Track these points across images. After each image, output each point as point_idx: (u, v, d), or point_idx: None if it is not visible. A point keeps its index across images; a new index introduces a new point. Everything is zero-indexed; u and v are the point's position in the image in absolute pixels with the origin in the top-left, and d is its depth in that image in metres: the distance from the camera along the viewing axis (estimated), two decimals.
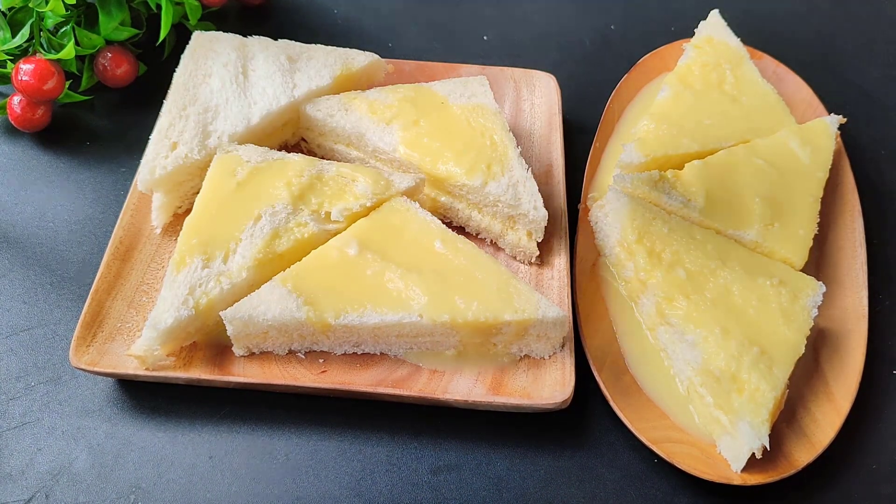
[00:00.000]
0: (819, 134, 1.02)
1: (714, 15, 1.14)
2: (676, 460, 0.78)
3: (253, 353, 0.84)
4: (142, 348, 0.79)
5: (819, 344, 0.89)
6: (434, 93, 1.00)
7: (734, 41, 1.11)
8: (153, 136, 0.92)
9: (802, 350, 0.82)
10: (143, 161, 0.91)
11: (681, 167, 0.97)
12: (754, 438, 0.76)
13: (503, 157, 0.93)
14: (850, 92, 1.21)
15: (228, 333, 0.81)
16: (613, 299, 0.92)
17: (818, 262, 0.96)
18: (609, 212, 0.94)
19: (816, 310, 0.85)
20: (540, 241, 0.92)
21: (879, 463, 0.84)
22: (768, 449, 0.77)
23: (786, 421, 0.82)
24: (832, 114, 1.06)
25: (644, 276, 0.87)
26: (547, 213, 0.90)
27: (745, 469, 0.78)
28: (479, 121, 0.97)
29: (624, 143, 1.02)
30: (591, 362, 0.85)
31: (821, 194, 0.96)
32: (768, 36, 1.25)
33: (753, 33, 1.20)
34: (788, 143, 0.99)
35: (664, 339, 0.87)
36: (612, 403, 0.82)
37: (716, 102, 1.03)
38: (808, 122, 1.04)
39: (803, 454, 0.80)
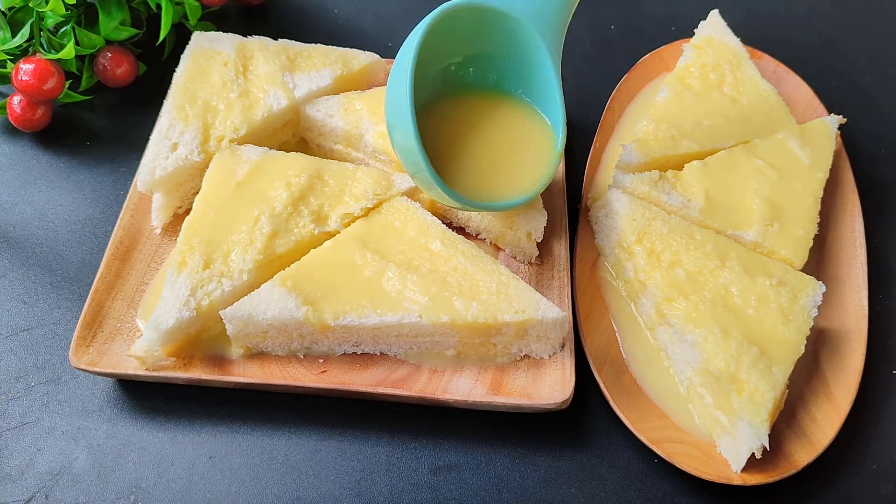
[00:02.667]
0: (819, 134, 1.02)
1: (714, 15, 1.14)
2: (676, 460, 0.78)
3: (252, 354, 0.84)
4: (142, 349, 0.79)
5: (819, 344, 0.89)
6: None
7: (734, 41, 1.11)
8: (153, 137, 0.92)
9: (802, 350, 0.82)
10: (143, 162, 0.91)
11: (680, 168, 0.97)
12: (754, 438, 0.76)
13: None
14: (850, 92, 1.21)
15: (228, 333, 0.81)
16: (613, 299, 0.92)
17: (818, 262, 0.96)
18: (609, 212, 0.94)
19: (816, 310, 0.85)
20: (539, 241, 0.92)
21: (879, 463, 0.84)
22: (768, 449, 0.77)
23: (786, 421, 0.82)
24: (832, 114, 1.06)
25: (644, 277, 0.87)
26: (547, 214, 0.89)
27: (745, 469, 0.78)
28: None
29: (624, 143, 1.02)
30: (591, 362, 0.85)
31: (821, 194, 0.96)
32: (768, 36, 1.25)
33: (753, 33, 1.20)
34: (788, 144, 0.99)
35: (664, 339, 0.87)
36: (612, 403, 0.82)
37: (715, 103, 1.03)
38: (808, 122, 1.04)
39: (803, 454, 0.80)
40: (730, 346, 0.80)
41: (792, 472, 0.79)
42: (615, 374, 0.85)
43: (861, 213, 1.00)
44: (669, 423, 0.82)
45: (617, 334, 0.89)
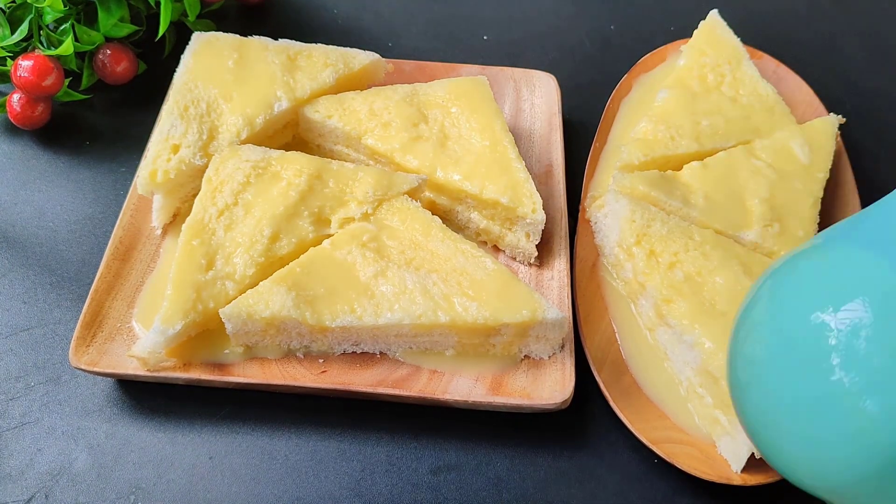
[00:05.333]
0: (819, 134, 1.02)
1: (713, 14, 1.14)
2: (676, 460, 0.78)
3: (252, 355, 0.84)
4: (146, 350, 0.79)
5: None
6: (433, 94, 0.99)
7: (734, 41, 1.10)
8: (154, 138, 0.92)
9: None
10: (144, 164, 0.90)
11: (679, 168, 0.97)
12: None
13: (502, 159, 0.93)
14: (850, 92, 1.21)
15: (227, 331, 0.81)
16: (613, 299, 0.92)
17: None
18: (608, 213, 0.94)
19: None
20: (538, 242, 0.92)
21: None
22: None
23: None
24: (832, 113, 1.06)
25: (643, 279, 0.87)
26: (545, 216, 0.89)
27: (744, 469, 0.78)
28: (478, 122, 0.96)
29: (623, 144, 1.01)
30: (590, 362, 0.85)
31: (821, 195, 0.96)
32: (768, 36, 1.25)
33: (753, 33, 1.20)
34: (788, 144, 0.99)
35: (663, 340, 0.87)
36: (612, 404, 0.82)
37: (715, 103, 1.03)
38: (808, 121, 1.04)
39: None
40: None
41: None
42: (615, 375, 0.85)
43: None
44: (669, 423, 0.82)
45: (617, 334, 0.89)
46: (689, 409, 0.84)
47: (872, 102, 1.20)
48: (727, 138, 1.00)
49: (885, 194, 1.07)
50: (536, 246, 0.92)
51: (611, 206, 0.93)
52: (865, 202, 1.02)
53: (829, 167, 0.99)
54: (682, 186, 0.94)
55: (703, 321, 0.82)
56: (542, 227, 0.90)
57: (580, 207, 0.99)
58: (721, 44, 1.10)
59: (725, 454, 0.80)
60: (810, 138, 1.00)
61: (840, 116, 1.04)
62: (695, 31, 1.13)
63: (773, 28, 1.29)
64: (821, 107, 1.10)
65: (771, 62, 1.15)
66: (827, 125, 1.03)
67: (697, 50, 1.09)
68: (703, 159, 0.97)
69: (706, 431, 0.82)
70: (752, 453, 0.77)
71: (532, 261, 0.93)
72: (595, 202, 0.97)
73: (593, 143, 1.04)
